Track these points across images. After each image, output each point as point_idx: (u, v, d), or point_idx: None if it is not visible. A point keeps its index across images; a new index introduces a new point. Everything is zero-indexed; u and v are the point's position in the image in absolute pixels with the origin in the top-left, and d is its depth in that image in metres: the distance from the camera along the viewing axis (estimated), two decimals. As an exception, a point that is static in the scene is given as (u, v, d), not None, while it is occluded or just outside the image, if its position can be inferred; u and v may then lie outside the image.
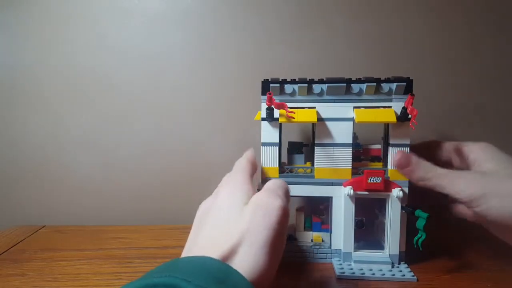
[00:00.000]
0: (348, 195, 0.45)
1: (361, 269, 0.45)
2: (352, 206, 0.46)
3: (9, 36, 0.64)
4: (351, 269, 0.45)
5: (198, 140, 0.66)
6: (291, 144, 0.52)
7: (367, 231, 0.50)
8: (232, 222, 0.30)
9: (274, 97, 0.44)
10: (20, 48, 0.64)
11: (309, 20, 0.63)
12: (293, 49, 0.63)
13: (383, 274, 0.44)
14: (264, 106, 0.46)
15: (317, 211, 0.52)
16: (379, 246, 0.48)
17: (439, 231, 0.55)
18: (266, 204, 0.30)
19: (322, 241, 0.50)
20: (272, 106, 0.44)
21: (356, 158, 0.49)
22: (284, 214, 0.30)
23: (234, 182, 0.34)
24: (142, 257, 0.50)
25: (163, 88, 0.65)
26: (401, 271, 0.45)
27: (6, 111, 0.65)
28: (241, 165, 0.38)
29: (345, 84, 0.44)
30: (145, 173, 0.67)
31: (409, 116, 0.44)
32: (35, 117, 0.65)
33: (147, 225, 0.64)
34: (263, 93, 0.46)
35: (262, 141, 0.47)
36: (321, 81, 0.45)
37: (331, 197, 0.47)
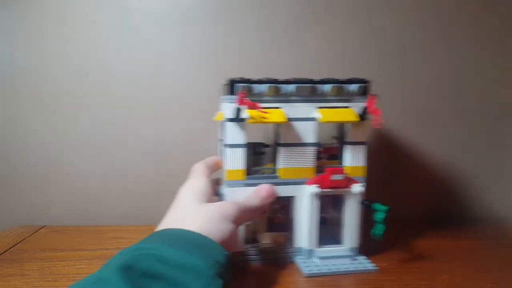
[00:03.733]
0: (313, 193, 0.46)
1: (326, 265, 0.47)
2: (317, 204, 0.47)
3: (9, 36, 0.63)
4: (317, 266, 0.46)
5: (198, 140, 0.65)
6: (252, 145, 0.51)
7: (322, 227, 0.51)
8: (189, 216, 0.38)
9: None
10: (20, 47, 0.63)
11: (310, 19, 0.65)
12: (294, 49, 0.65)
13: (347, 268, 0.46)
14: (227, 106, 0.44)
15: (278, 211, 0.51)
16: (336, 241, 0.50)
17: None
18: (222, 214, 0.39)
19: (284, 240, 0.50)
20: (242, 106, 0.42)
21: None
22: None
23: (190, 183, 0.44)
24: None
25: (163, 88, 0.65)
26: (361, 263, 0.48)
27: (6, 111, 0.64)
28: (197, 168, 0.46)
29: (311, 85, 0.45)
30: (145, 173, 0.66)
31: (368, 115, 0.47)
32: (35, 117, 0.65)
33: (147, 225, 0.60)
34: (231, 93, 0.44)
35: (227, 142, 0.45)
36: (288, 82, 0.45)
37: (295, 196, 0.48)
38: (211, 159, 0.49)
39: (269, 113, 0.42)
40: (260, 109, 0.42)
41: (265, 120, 0.43)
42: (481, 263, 0.49)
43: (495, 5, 0.67)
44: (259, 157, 0.50)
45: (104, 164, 0.66)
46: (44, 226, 0.64)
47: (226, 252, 0.35)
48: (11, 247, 0.54)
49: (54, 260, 0.49)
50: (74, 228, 0.63)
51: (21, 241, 0.56)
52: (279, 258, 0.49)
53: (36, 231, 0.61)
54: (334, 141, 0.53)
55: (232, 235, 0.39)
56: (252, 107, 0.41)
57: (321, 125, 0.47)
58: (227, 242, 0.37)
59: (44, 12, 0.63)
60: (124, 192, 0.67)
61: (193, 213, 0.39)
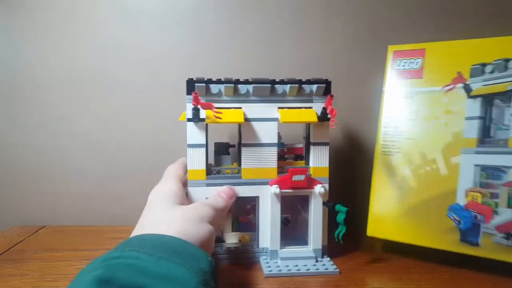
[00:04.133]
0: (274, 193, 0.46)
1: (287, 266, 0.46)
2: (278, 204, 0.47)
3: (9, 36, 0.64)
4: (278, 266, 0.46)
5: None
6: (218, 145, 0.51)
7: (292, 227, 0.51)
8: (165, 220, 0.37)
9: (200, 97, 0.43)
10: (20, 48, 0.64)
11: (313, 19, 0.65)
12: (298, 48, 0.65)
13: (308, 269, 0.46)
14: (189, 106, 0.45)
15: (244, 211, 0.52)
16: (304, 241, 0.50)
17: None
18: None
19: (250, 240, 0.50)
20: (198, 106, 0.43)
21: (280, 157, 0.51)
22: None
23: (162, 186, 0.43)
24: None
25: (163, 88, 0.65)
26: (324, 264, 0.47)
27: (6, 111, 0.65)
28: (170, 170, 0.46)
29: (269, 85, 0.45)
30: (145, 173, 0.66)
31: (329, 116, 0.47)
32: (35, 117, 0.65)
33: None
34: (188, 93, 0.45)
35: (188, 142, 0.46)
36: (247, 82, 0.46)
37: (258, 197, 0.48)
38: (183, 161, 0.49)
39: (222, 113, 0.43)
40: (214, 109, 0.42)
41: (221, 120, 0.43)
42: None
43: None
44: (224, 157, 0.51)
45: (104, 164, 0.66)
46: (44, 226, 0.64)
47: (210, 259, 0.33)
48: (11, 247, 0.54)
49: (54, 260, 0.49)
50: (74, 228, 0.63)
51: (21, 241, 0.57)
52: (244, 258, 0.49)
53: (36, 231, 0.61)
54: (303, 141, 0.52)
55: (211, 237, 0.38)
56: (207, 107, 0.42)
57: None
58: (206, 244, 0.36)
59: (44, 12, 0.63)
60: (124, 192, 0.67)
61: (170, 216, 0.37)
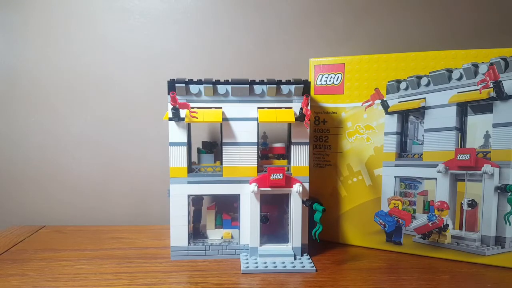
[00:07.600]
0: (252, 192, 0.47)
1: (265, 263, 0.47)
2: (257, 202, 0.48)
3: (9, 36, 0.64)
4: (256, 263, 0.47)
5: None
6: (204, 144, 0.53)
7: (277, 225, 0.52)
8: None
9: (178, 97, 0.44)
10: (20, 48, 0.65)
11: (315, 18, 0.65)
12: (294, 50, 0.66)
13: (285, 267, 0.46)
14: (170, 106, 0.47)
15: (231, 209, 0.53)
16: (286, 239, 0.51)
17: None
18: None
19: (232, 237, 0.51)
20: (177, 105, 0.44)
21: (264, 156, 0.52)
22: None
23: None
24: (142, 257, 0.50)
25: (162, 88, 0.63)
26: (302, 262, 0.47)
27: (6, 111, 0.66)
28: None
29: (248, 86, 0.46)
30: (145, 173, 0.67)
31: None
32: (35, 117, 0.66)
33: (147, 225, 0.64)
34: (169, 93, 0.46)
35: (170, 141, 0.48)
36: (226, 82, 0.47)
37: (239, 195, 0.49)
38: None
39: (197, 112, 0.44)
40: (190, 109, 0.44)
41: (198, 120, 0.45)
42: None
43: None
44: (208, 155, 0.52)
45: (103, 164, 0.67)
46: (44, 226, 0.64)
47: None
48: (11, 247, 0.54)
49: (54, 260, 0.49)
50: (74, 228, 0.63)
51: (21, 241, 0.57)
52: (226, 254, 0.50)
53: (36, 231, 0.61)
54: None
55: None
56: (183, 107, 0.44)
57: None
58: None
59: (43, 13, 0.64)
60: (124, 192, 0.67)
61: None
